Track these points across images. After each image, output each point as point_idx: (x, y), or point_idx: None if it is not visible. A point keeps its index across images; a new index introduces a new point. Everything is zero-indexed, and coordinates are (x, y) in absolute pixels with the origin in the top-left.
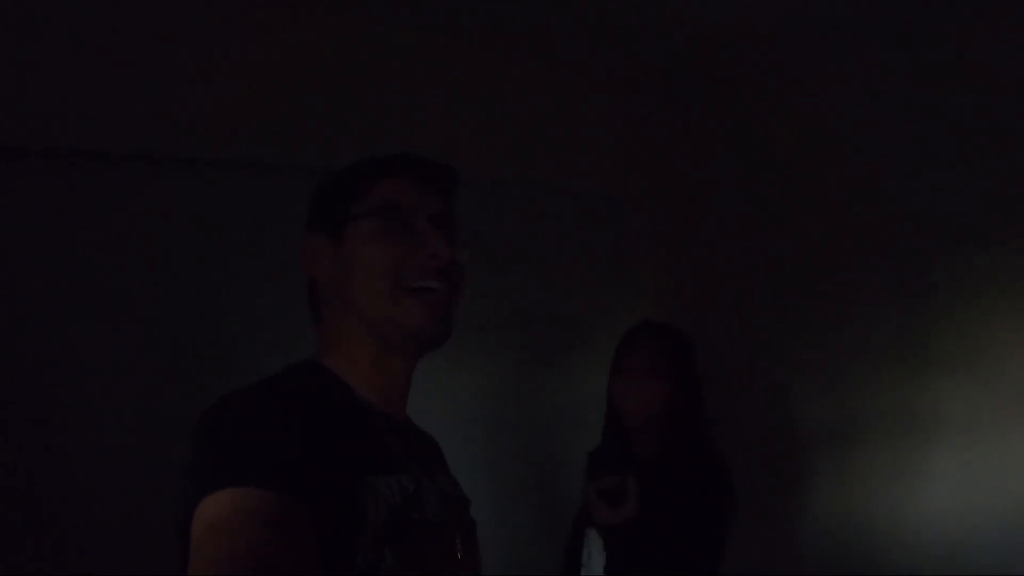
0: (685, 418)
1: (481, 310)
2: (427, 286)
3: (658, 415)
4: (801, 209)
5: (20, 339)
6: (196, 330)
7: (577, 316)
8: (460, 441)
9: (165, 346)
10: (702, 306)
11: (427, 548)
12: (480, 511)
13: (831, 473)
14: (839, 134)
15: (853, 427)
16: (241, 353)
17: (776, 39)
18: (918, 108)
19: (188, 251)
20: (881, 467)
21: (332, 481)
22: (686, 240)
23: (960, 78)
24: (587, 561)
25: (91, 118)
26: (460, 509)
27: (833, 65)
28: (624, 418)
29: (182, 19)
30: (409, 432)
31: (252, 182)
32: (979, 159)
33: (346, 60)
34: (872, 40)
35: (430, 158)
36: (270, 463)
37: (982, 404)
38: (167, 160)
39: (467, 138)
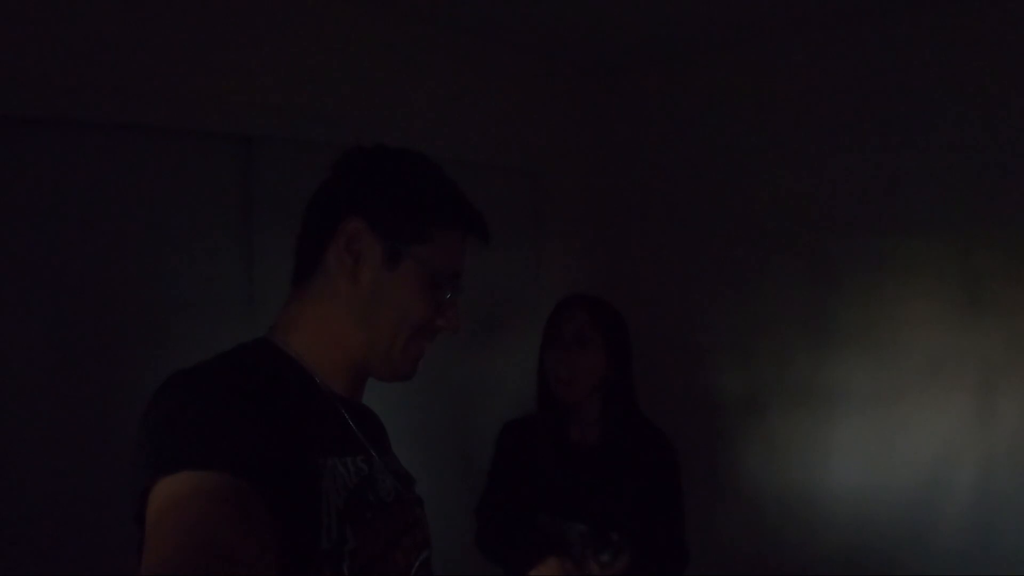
0: (619, 391)
1: None
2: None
3: (593, 387)
4: (714, 193)
5: None
6: (109, 312)
7: (497, 291)
8: (385, 417)
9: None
10: (619, 281)
11: (384, 527)
12: None
13: (745, 442)
14: (750, 122)
15: (765, 399)
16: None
17: (689, 29)
18: (824, 103)
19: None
20: (792, 436)
21: (291, 463)
22: (604, 218)
23: (861, 74)
24: None
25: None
26: (409, 487)
27: (743, 56)
28: (559, 390)
29: None
30: (362, 413)
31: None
32: (879, 152)
33: (261, 28)
34: (779, 34)
35: (485, 221)
36: (228, 446)
37: (882, 377)
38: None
39: (385, 112)
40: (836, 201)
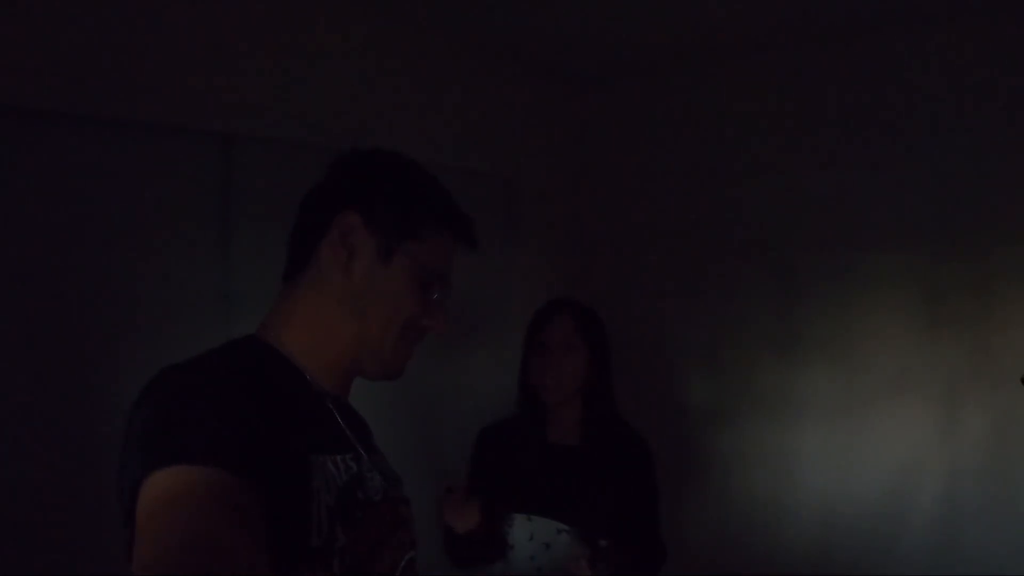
0: (600, 394)
1: None
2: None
3: (575, 391)
4: (686, 203)
5: None
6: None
7: (470, 295)
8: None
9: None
10: (591, 288)
11: (372, 526)
12: None
13: (713, 449)
14: (722, 135)
15: (733, 407)
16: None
17: (665, 41)
18: (794, 119)
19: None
20: (759, 444)
21: (283, 460)
22: (577, 224)
23: (832, 91)
24: None
25: None
26: (396, 486)
27: (718, 69)
28: (542, 393)
29: None
30: (349, 411)
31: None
32: (848, 169)
33: (241, 27)
34: (753, 50)
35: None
36: (221, 442)
37: (848, 387)
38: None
39: (363, 112)
40: (804, 215)
